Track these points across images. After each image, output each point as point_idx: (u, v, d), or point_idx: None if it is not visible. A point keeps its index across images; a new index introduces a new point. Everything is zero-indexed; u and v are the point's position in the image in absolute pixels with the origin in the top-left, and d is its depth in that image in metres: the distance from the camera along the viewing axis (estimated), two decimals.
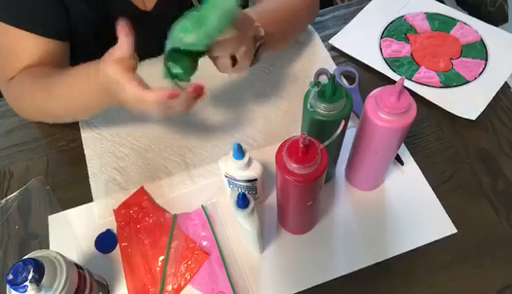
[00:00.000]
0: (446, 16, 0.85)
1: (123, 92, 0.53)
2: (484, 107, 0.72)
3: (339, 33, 0.84)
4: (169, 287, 0.58)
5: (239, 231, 0.60)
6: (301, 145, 0.44)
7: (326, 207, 0.64)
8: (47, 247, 0.63)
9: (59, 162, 0.72)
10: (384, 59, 0.80)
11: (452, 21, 0.84)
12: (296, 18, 0.74)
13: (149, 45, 0.67)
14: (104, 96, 0.58)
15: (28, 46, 0.66)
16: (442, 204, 0.63)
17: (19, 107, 0.71)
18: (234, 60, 0.57)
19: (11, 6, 0.65)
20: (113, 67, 0.52)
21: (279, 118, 0.74)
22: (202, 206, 0.64)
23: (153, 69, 0.68)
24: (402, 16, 0.86)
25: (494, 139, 0.70)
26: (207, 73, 0.84)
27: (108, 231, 0.64)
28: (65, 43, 0.71)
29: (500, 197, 0.64)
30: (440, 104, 0.73)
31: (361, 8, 0.88)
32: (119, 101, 0.56)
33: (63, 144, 0.74)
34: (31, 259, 0.44)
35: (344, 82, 0.78)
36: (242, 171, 0.56)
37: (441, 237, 0.61)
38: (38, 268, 0.44)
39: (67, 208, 0.66)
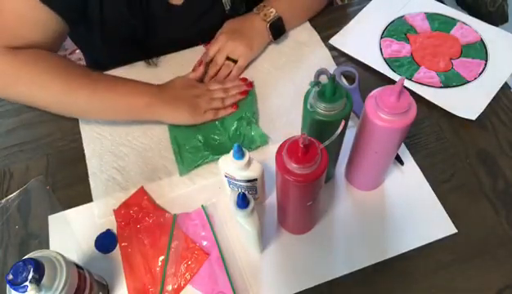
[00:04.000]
0: (446, 16, 0.85)
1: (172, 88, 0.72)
2: (484, 107, 0.72)
3: (338, 33, 0.84)
4: (169, 287, 0.58)
5: (239, 231, 0.60)
6: (301, 145, 0.44)
7: (326, 207, 0.64)
8: (47, 247, 0.63)
9: (59, 162, 0.72)
10: (384, 59, 0.80)
11: (452, 21, 0.84)
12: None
13: (176, 36, 0.79)
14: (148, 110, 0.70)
15: (41, 18, 0.65)
16: (442, 204, 0.63)
17: (12, 78, 0.66)
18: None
19: None
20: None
21: (279, 118, 0.74)
22: (202, 206, 0.64)
23: (179, 61, 0.82)
24: (402, 16, 0.86)
25: (494, 139, 0.70)
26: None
27: (108, 231, 0.64)
28: (68, 27, 0.70)
29: (500, 197, 0.64)
30: (440, 104, 0.73)
31: (361, 8, 0.88)
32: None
33: (63, 144, 0.74)
34: (31, 259, 0.44)
35: (344, 82, 0.78)
36: (242, 171, 0.56)
37: (441, 237, 0.61)
38: (38, 268, 0.44)
39: (67, 208, 0.66)
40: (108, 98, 0.68)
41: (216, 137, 0.71)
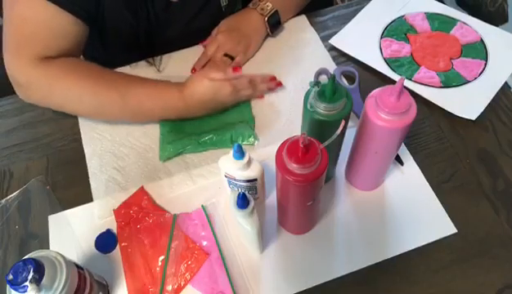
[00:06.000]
0: (446, 16, 0.85)
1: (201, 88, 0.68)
2: (484, 107, 0.72)
3: (338, 33, 0.84)
4: (169, 287, 0.58)
5: (239, 231, 0.60)
6: (301, 145, 0.44)
7: (326, 207, 0.64)
8: (47, 247, 0.63)
9: (59, 162, 0.72)
10: (384, 59, 0.80)
11: (452, 21, 0.84)
12: None
13: (175, 33, 0.79)
14: (191, 108, 0.70)
15: (63, 24, 0.66)
16: (442, 204, 0.63)
17: (47, 91, 0.68)
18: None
19: None
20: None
21: (279, 118, 0.74)
22: (202, 206, 0.64)
23: (180, 59, 0.83)
24: (402, 16, 0.86)
25: (494, 139, 0.70)
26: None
27: (108, 231, 0.64)
28: (88, 29, 0.72)
29: (500, 197, 0.64)
30: (440, 104, 0.73)
31: (361, 8, 0.88)
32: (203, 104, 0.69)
33: (63, 144, 0.74)
34: (31, 259, 0.44)
35: (344, 82, 0.78)
36: (242, 171, 0.56)
37: (441, 237, 0.61)
38: (38, 268, 0.44)
39: (67, 208, 0.66)
40: (141, 108, 0.69)
41: (204, 134, 0.71)
